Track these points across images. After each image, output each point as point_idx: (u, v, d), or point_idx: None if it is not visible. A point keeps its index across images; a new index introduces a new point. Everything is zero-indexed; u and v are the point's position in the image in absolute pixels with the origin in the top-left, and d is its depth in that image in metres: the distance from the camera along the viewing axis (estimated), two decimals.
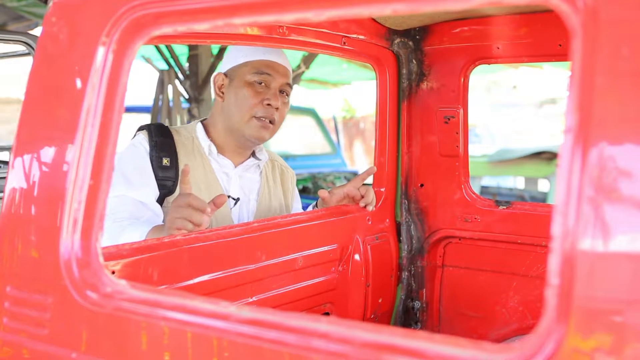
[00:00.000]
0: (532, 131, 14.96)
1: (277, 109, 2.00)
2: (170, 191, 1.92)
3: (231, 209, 2.03)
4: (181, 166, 1.94)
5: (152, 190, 1.90)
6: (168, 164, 1.93)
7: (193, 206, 1.61)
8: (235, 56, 2.04)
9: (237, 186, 2.07)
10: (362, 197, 2.12)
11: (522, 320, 2.19)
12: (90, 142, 1.19)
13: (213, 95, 2.11)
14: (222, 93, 2.04)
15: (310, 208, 2.22)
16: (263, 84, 2.00)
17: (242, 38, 1.76)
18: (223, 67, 2.08)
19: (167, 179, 1.92)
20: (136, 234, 1.70)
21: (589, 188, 0.78)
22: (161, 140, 1.95)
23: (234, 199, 2.04)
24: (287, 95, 2.07)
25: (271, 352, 0.98)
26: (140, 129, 2.00)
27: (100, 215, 1.20)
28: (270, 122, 2.00)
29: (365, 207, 2.15)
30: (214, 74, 2.07)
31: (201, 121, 2.10)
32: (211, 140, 2.04)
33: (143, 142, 1.95)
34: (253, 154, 2.14)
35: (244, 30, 1.73)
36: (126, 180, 1.87)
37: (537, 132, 14.60)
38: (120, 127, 1.21)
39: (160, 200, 1.93)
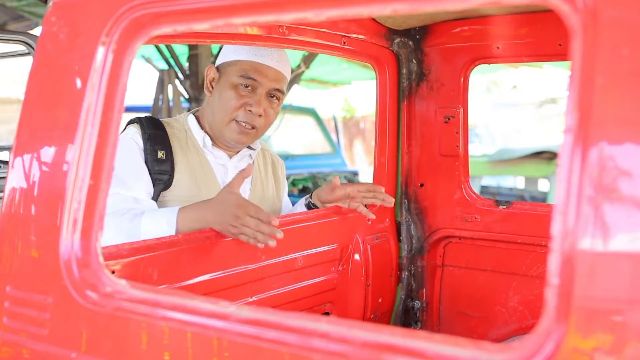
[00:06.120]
0: (532, 131, 14.96)
1: (260, 115, 1.93)
2: (167, 185, 1.89)
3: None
4: (176, 159, 1.91)
5: (145, 186, 1.86)
6: (163, 157, 1.88)
7: (262, 218, 1.62)
8: (228, 51, 1.99)
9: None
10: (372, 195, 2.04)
11: (522, 320, 2.19)
12: (90, 142, 1.19)
13: None
14: (212, 87, 2.00)
15: (302, 202, 2.20)
16: (249, 87, 1.93)
17: (242, 38, 1.76)
18: (218, 60, 2.03)
19: (163, 172, 1.88)
20: (155, 221, 1.70)
21: (589, 188, 0.78)
22: (155, 133, 1.91)
23: None
24: (278, 99, 1.99)
25: (271, 352, 0.98)
26: (131, 122, 1.95)
27: (100, 215, 1.20)
28: (252, 127, 1.95)
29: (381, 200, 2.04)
30: (208, 66, 2.04)
31: (193, 113, 2.06)
32: (205, 132, 2.00)
33: (135, 136, 1.89)
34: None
35: (244, 30, 1.73)
36: (118, 178, 1.80)
37: (537, 132, 14.60)
38: (120, 127, 1.21)
39: (156, 195, 1.88)
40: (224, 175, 2.02)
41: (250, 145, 2.11)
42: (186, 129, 2.00)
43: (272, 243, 1.63)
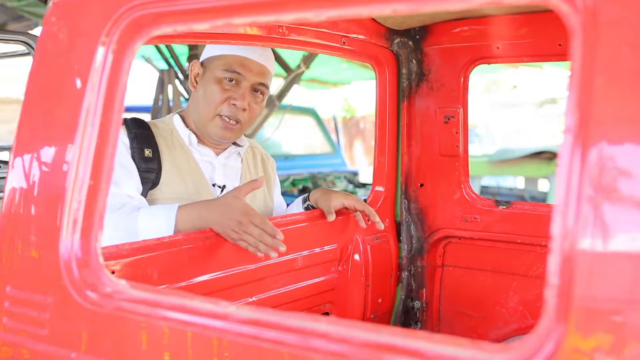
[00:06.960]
0: (532, 131, 14.95)
1: (244, 109, 1.94)
2: (155, 184, 1.89)
3: (218, 197, 2.00)
4: (163, 158, 1.92)
5: (135, 184, 1.86)
6: (150, 155, 1.89)
7: (267, 230, 1.64)
8: (212, 46, 1.99)
9: (222, 174, 2.04)
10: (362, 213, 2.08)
11: (522, 320, 2.19)
12: (90, 142, 1.19)
13: None
14: (196, 83, 2.01)
15: (299, 202, 2.19)
16: (233, 81, 1.93)
17: (242, 38, 1.76)
18: (202, 55, 2.03)
19: (150, 170, 1.88)
20: (153, 217, 1.70)
21: (588, 188, 0.78)
22: (140, 132, 1.92)
23: (220, 186, 2.02)
24: (262, 94, 2.00)
25: (271, 352, 0.98)
26: None
27: (100, 215, 1.20)
28: (236, 122, 1.95)
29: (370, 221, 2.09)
30: (192, 61, 2.03)
31: (178, 113, 2.06)
32: (190, 130, 2.01)
33: (121, 135, 1.89)
34: (234, 142, 2.10)
35: (244, 30, 1.73)
36: None
37: (537, 132, 14.59)
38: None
39: (144, 194, 1.89)
40: (212, 173, 2.02)
41: (237, 142, 2.11)
42: (172, 129, 2.01)
43: (274, 254, 1.66)
